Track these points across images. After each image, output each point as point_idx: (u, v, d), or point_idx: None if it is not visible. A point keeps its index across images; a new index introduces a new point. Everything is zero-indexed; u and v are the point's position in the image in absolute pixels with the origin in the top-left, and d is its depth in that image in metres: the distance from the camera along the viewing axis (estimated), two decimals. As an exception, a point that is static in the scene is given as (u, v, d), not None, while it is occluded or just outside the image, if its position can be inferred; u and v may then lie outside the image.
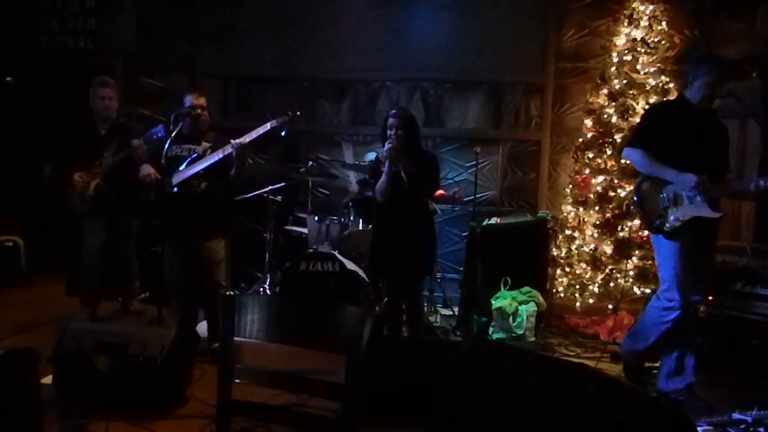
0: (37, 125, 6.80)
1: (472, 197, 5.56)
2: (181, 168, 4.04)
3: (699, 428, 3.07)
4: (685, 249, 3.54)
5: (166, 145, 3.96)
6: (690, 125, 3.58)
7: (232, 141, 3.89)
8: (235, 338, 1.88)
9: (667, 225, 3.56)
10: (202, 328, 4.45)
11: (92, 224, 4.73)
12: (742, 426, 3.12)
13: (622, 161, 4.99)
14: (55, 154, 4.73)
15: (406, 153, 3.97)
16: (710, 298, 4.23)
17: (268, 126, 3.95)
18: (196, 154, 4.08)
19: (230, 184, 4.15)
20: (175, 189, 4.03)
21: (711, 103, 3.62)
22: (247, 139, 3.91)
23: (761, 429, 3.08)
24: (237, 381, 1.88)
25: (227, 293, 1.91)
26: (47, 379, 3.19)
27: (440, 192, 4.28)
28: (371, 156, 5.93)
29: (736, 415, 3.18)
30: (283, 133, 3.97)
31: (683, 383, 3.66)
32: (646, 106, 5.18)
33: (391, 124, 3.95)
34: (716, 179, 3.51)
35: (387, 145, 3.87)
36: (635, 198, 3.81)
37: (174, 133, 3.98)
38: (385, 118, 4.04)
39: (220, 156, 3.95)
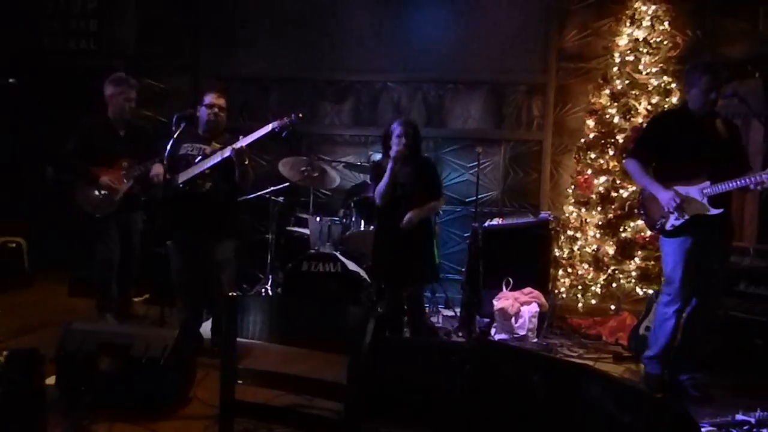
0: (40, 126, 6.82)
1: (474, 198, 5.55)
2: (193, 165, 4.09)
3: (703, 429, 3.06)
4: (687, 246, 3.70)
5: (169, 146, 3.97)
6: (689, 133, 3.72)
7: (230, 146, 3.92)
8: (238, 339, 1.88)
9: (669, 225, 3.72)
10: (206, 328, 4.44)
11: (109, 227, 4.65)
12: (746, 427, 3.11)
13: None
14: (73, 153, 4.62)
15: (409, 161, 4.03)
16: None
17: (269, 128, 3.97)
18: (203, 155, 4.10)
19: (237, 187, 4.16)
20: (181, 185, 4.05)
21: (712, 108, 3.74)
22: (244, 142, 3.94)
23: (764, 430, 3.08)
24: (240, 382, 1.88)
25: (229, 294, 1.91)
26: (50, 380, 3.19)
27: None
28: (377, 157, 5.94)
29: (739, 416, 3.18)
30: (284, 134, 3.99)
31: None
32: (648, 107, 5.20)
33: (399, 133, 4.03)
34: (731, 177, 3.57)
35: (395, 149, 3.99)
36: (640, 199, 4.03)
37: (177, 134, 4.00)
38: (387, 128, 4.16)
39: (219, 158, 3.97)
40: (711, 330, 4.00)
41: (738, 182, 3.53)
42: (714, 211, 3.60)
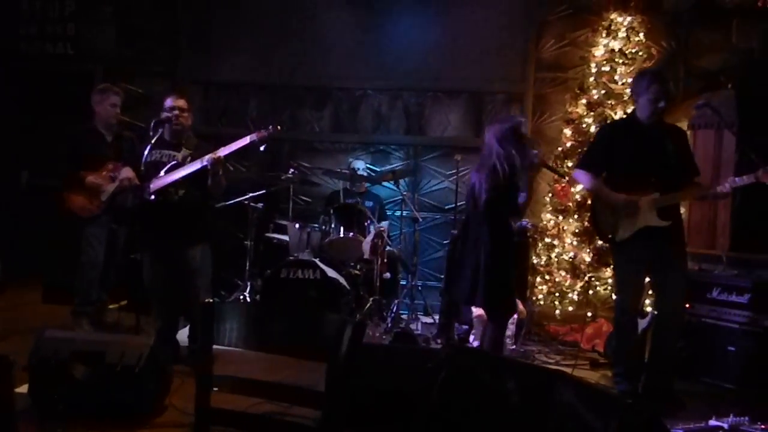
0: (15, 131, 6.74)
1: (453, 205, 5.58)
2: (160, 174, 4.01)
3: (676, 435, 3.10)
4: (636, 257, 3.75)
5: (146, 152, 3.93)
6: (637, 142, 3.73)
7: (207, 155, 3.89)
8: (215, 346, 1.87)
9: (618, 236, 3.74)
10: (183, 335, 4.41)
11: (98, 231, 4.69)
12: (719, 432, 3.15)
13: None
14: (63, 159, 4.71)
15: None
16: (686, 305, 4.29)
17: (247, 140, 3.94)
18: (175, 161, 4.04)
19: (208, 194, 4.13)
20: (152, 196, 3.99)
21: (660, 116, 3.75)
22: (222, 152, 3.90)
23: (737, 435, 3.12)
24: (215, 389, 1.87)
25: (206, 301, 1.90)
26: (23, 389, 3.15)
27: None
28: (358, 164, 5.94)
29: (712, 422, 3.21)
30: (261, 148, 3.97)
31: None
32: (624, 116, 5.26)
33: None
34: (680, 186, 3.62)
35: (535, 157, 3.78)
36: (591, 211, 4.05)
37: (154, 140, 3.96)
38: (512, 128, 3.75)
39: (197, 167, 3.92)
40: (681, 337, 4.03)
41: (685, 193, 3.59)
42: (661, 223, 3.62)
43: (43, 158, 4.95)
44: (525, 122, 3.94)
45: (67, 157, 4.69)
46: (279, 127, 3.99)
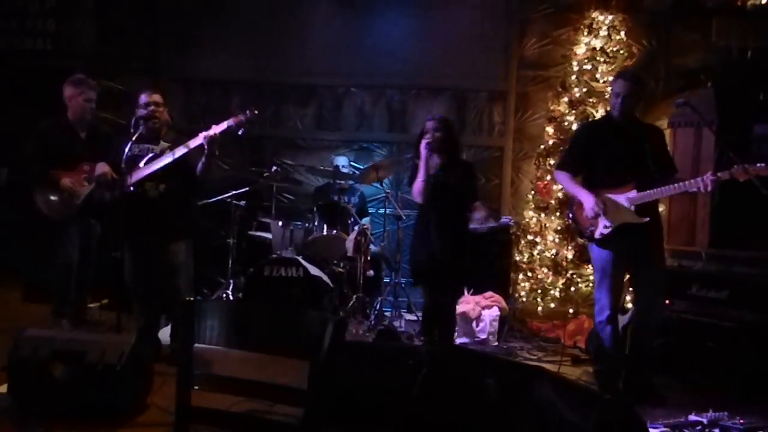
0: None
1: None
2: (139, 166, 3.95)
3: (656, 430, 3.13)
4: (614, 255, 3.75)
5: (126, 148, 3.87)
6: (613, 140, 3.76)
7: (203, 133, 3.80)
8: (196, 345, 1.86)
9: (597, 233, 3.75)
10: (164, 334, 4.38)
11: (73, 232, 4.54)
12: (698, 427, 3.18)
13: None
14: (33, 156, 4.49)
15: (443, 156, 4.03)
16: (666, 301, 4.33)
17: (224, 125, 3.86)
18: (153, 153, 3.99)
19: (197, 181, 4.03)
20: (132, 189, 3.93)
21: (628, 112, 3.75)
22: (216, 130, 3.80)
23: (716, 430, 3.16)
24: (196, 388, 1.86)
25: (187, 298, 1.89)
26: (3, 388, 3.11)
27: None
28: (341, 161, 5.93)
29: (692, 417, 3.25)
30: (240, 132, 3.91)
31: None
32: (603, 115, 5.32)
33: (428, 128, 4.05)
34: (656, 183, 3.61)
35: (424, 142, 3.98)
36: (569, 208, 4.06)
37: (135, 136, 3.91)
38: (422, 127, 4.17)
39: (184, 151, 3.83)
40: (661, 333, 4.07)
41: (663, 190, 3.57)
42: (639, 220, 3.63)
43: (22, 155, 4.84)
44: (429, 119, 4.17)
45: (37, 155, 4.46)
46: (256, 112, 3.93)
